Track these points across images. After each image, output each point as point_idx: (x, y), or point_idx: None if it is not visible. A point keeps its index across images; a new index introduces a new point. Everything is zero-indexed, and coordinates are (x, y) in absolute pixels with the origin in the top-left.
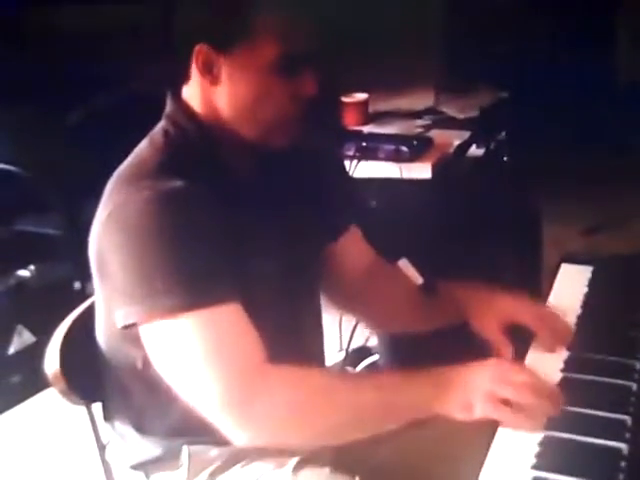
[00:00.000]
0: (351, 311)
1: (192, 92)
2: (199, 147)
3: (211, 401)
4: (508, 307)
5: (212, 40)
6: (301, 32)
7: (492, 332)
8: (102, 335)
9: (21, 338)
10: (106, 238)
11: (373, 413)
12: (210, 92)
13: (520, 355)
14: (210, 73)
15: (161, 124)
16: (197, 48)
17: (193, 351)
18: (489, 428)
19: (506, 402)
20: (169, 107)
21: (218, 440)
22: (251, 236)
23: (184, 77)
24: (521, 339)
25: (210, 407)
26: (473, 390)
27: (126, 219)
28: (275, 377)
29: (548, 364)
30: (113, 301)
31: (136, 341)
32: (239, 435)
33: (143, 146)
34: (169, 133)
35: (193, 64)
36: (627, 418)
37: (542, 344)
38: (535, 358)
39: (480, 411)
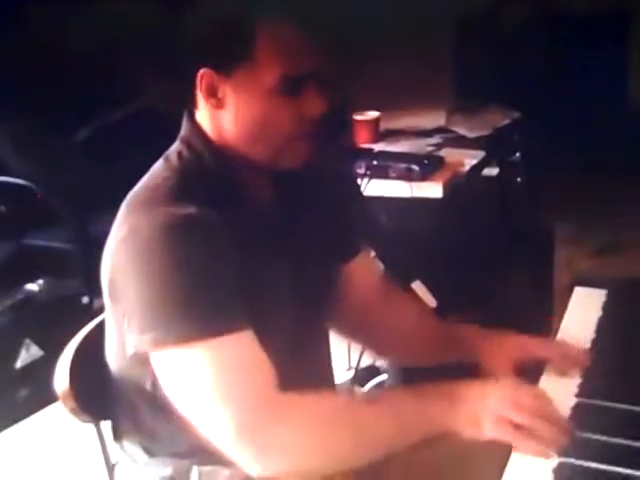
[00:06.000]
0: (359, 340)
1: (202, 116)
2: (213, 171)
3: (224, 432)
4: (518, 345)
5: (214, 64)
6: (302, 52)
7: (503, 371)
8: (112, 355)
9: (29, 352)
10: (118, 262)
11: (386, 432)
12: (216, 116)
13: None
14: (215, 97)
15: (176, 145)
16: (201, 73)
17: (205, 380)
18: (502, 453)
19: (516, 426)
20: (184, 129)
21: (229, 461)
22: (264, 261)
23: (193, 102)
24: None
25: (223, 438)
26: (484, 409)
27: (139, 245)
28: (288, 406)
29: (560, 392)
30: (124, 325)
31: (145, 363)
32: (254, 466)
33: (158, 167)
34: (183, 156)
35: (197, 89)
36: None
37: (555, 371)
38: (547, 386)
39: (489, 431)
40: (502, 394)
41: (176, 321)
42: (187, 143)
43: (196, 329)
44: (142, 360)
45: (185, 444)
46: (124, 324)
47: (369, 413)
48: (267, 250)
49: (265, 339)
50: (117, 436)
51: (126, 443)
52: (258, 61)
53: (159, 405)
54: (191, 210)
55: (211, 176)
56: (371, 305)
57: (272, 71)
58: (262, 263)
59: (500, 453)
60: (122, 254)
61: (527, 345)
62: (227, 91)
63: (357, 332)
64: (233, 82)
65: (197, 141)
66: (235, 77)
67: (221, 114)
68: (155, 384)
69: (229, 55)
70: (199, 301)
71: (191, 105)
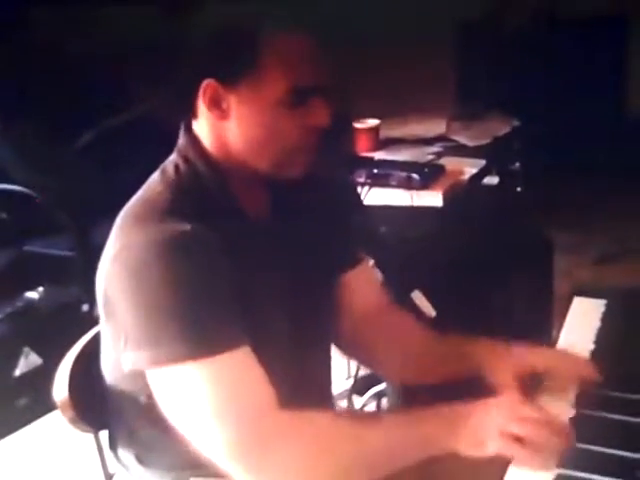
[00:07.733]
0: (357, 356)
1: (201, 128)
2: (209, 186)
3: (222, 449)
4: (522, 356)
5: (219, 75)
6: (308, 63)
7: (506, 381)
8: (107, 367)
9: (27, 360)
10: (112, 279)
11: (385, 453)
12: (219, 127)
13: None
14: (218, 108)
15: (173, 157)
16: (205, 84)
17: (202, 398)
18: (500, 466)
19: (518, 439)
20: (181, 140)
21: (224, 473)
22: (262, 275)
23: (193, 112)
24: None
25: (221, 455)
26: (485, 426)
27: (132, 263)
28: (286, 423)
29: (559, 399)
30: (119, 342)
31: (141, 378)
32: None
33: (154, 180)
34: (179, 169)
35: (200, 99)
36: None
37: (554, 385)
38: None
39: (493, 448)
40: (502, 408)
41: (171, 340)
42: (183, 155)
43: (191, 348)
44: (138, 375)
45: (180, 457)
46: (120, 340)
47: (367, 433)
48: (265, 264)
49: (263, 353)
50: (112, 445)
51: (121, 452)
52: (264, 72)
53: (154, 418)
54: (185, 227)
55: (207, 190)
56: (370, 316)
57: (278, 82)
58: (260, 277)
59: (497, 467)
60: (115, 272)
61: (531, 358)
62: (231, 102)
63: (356, 346)
64: (238, 93)
65: (193, 153)
66: (240, 88)
67: (224, 125)
68: (150, 398)
69: (234, 66)
70: (194, 320)
71: (190, 115)
